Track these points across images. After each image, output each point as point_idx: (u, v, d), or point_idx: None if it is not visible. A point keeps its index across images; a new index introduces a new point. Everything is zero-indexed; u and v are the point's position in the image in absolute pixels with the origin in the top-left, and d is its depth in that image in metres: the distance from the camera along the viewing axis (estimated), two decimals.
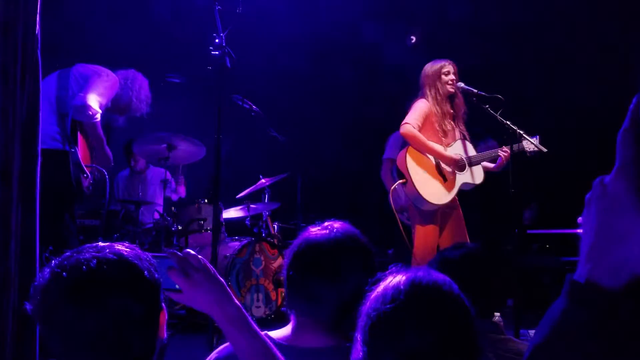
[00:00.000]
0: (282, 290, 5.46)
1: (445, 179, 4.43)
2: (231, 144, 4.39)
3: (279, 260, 5.53)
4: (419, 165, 4.41)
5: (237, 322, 1.34)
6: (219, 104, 3.65)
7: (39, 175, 2.30)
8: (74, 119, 3.97)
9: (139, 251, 1.27)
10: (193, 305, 1.37)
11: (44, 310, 1.18)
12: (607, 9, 6.04)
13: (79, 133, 4.01)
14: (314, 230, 1.68)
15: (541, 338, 0.76)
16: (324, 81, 7.07)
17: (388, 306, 1.08)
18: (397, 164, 4.56)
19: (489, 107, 4.36)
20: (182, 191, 6.20)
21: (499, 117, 4.31)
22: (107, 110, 4.16)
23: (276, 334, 1.62)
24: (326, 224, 1.70)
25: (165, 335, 1.31)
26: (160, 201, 5.52)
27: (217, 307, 1.33)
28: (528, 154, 4.44)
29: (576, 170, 5.20)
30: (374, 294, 1.13)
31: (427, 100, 4.49)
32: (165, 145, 5.36)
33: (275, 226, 5.95)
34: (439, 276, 1.14)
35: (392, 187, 4.59)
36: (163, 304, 1.29)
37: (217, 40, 3.70)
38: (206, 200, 5.60)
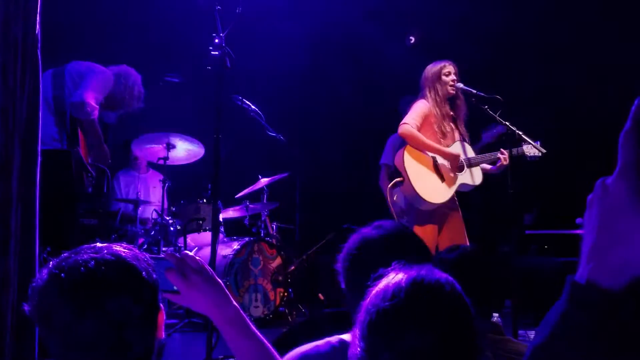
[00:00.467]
0: (280, 290, 5.46)
1: (443, 179, 4.43)
2: (230, 144, 4.39)
3: (278, 260, 5.53)
4: (417, 164, 4.41)
5: (235, 323, 1.34)
6: (218, 104, 3.65)
7: (39, 174, 2.30)
8: (72, 116, 3.96)
9: (137, 252, 1.28)
10: (191, 307, 1.37)
11: (42, 311, 1.18)
12: (607, 9, 6.05)
13: (79, 131, 4.00)
14: (366, 230, 1.70)
15: (542, 338, 0.76)
16: (324, 81, 7.07)
17: (388, 303, 1.08)
18: (395, 163, 4.55)
19: (488, 107, 4.36)
20: None
21: (498, 117, 4.31)
22: (100, 106, 4.15)
23: (348, 336, 1.60)
24: (376, 223, 1.72)
25: (164, 336, 1.31)
26: (159, 201, 5.52)
27: (215, 308, 1.34)
28: (528, 158, 4.44)
29: (576, 171, 5.21)
30: (374, 290, 1.13)
31: (427, 102, 4.49)
32: (164, 145, 5.37)
33: (274, 226, 5.95)
34: (442, 275, 1.13)
35: (389, 186, 4.59)
36: (161, 304, 1.29)
37: (216, 40, 3.70)
38: (205, 200, 5.60)
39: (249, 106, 4.98)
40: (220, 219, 5.62)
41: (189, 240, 5.54)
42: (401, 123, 4.42)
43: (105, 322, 1.16)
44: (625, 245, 0.71)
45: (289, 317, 5.45)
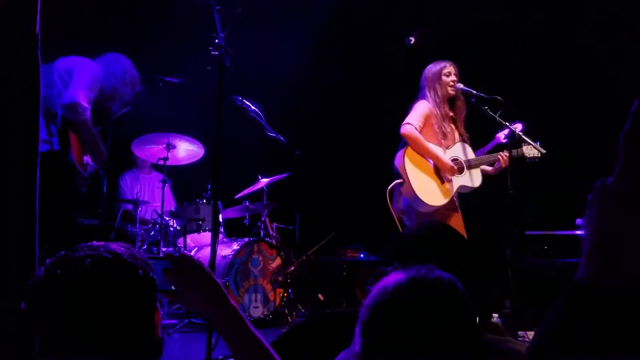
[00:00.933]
0: (280, 290, 5.46)
1: (443, 181, 4.43)
2: (230, 144, 4.38)
3: (277, 261, 5.53)
4: (417, 166, 4.41)
5: (234, 323, 1.34)
6: (218, 104, 3.65)
7: (38, 175, 2.30)
8: (63, 117, 3.88)
9: (134, 250, 1.28)
10: (189, 306, 1.37)
11: (38, 308, 1.18)
12: (607, 9, 6.05)
13: (70, 132, 3.93)
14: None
15: (542, 338, 0.76)
16: (324, 81, 7.07)
17: (388, 297, 1.09)
18: (395, 165, 4.55)
19: (488, 108, 4.36)
20: None
21: (498, 118, 4.31)
22: (95, 101, 4.08)
23: None
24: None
25: (161, 335, 1.31)
26: (159, 201, 5.53)
27: (213, 308, 1.34)
28: (527, 160, 4.44)
29: (576, 172, 5.22)
30: (375, 288, 1.14)
31: (428, 102, 4.48)
32: (164, 145, 5.37)
33: (274, 226, 5.95)
34: (443, 273, 1.14)
35: (389, 187, 4.58)
36: (157, 304, 1.29)
37: (216, 41, 3.70)
38: (205, 200, 5.60)
39: (249, 106, 4.98)
40: (220, 220, 5.63)
41: (188, 240, 5.54)
42: (403, 123, 4.41)
43: (101, 319, 1.17)
44: (624, 245, 0.71)
45: (289, 318, 5.45)
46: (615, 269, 0.72)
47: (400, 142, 4.48)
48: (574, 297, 0.75)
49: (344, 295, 6.22)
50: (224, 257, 5.22)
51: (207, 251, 5.01)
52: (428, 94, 4.50)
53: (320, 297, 6.10)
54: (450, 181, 4.41)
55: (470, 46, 6.34)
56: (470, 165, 4.52)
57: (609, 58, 6.01)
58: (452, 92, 4.50)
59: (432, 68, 4.56)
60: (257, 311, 5.29)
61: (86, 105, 3.87)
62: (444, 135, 4.48)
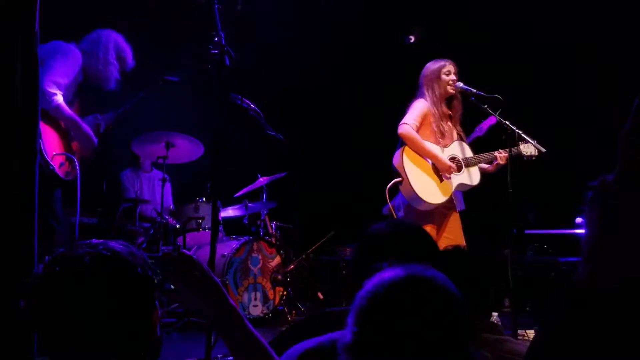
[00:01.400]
0: (279, 289, 5.46)
1: (442, 179, 4.43)
2: (229, 142, 4.38)
3: (277, 259, 5.53)
4: (416, 165, 4.41)
5: (232, 322, 1.34)
6: (217, 103, 3.65)
7: (37, 173, 2.30)
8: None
9: (133, 248, 1.28)
10: (187, 305, 1.37)
11: (37, 306, 1.18)
12: (607, 9, 6.05)
13: (40, 121, 3.85)
14: (375, 226, 1.72)
15: (540, 337, 0.76)
16: (323, 80, 7.07)
17: (384, 291, 1.11)
18: (393, 163, 4.54)
19: (487, 107, 4.35)
20: None
21: (497, 116, 4.31)
22: (84, 83, 4.01)
23: None
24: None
25: (159, 333, 1.31)
26: (159, 199, 5.52)
27: (212, 307, 1.34)
28: (525, 158, 4.44)
29: (576, 171, 5.21)
30: (370, 281, 1.15)
31: (426, 101, 4.48)
32: (163, 143, 5.37)
33: (273, 225, 5.95)
34: (437, 272, 1.16)
35: (389, 186, 4.58)
36: (156, 302, 1.29)
37: (216, 39, 3.69)
38: (204, 199, 5.60)
39: (249, 105, 4.97)
40: (220, 218, 5.62)
41: (188, 239, 5.54)
42: (401, 123, 4.41)
43: (98, 317, 1.17)
44: (624, 244, 0.71)
45: (288, 316, 5.45)
46: (614, 267, 0.72)
47: (399, 141, 4.48)
48: (573, 296, 0.75)
49: (343, 294, 6.23)
50: (224, 255, 5.22)
51: (206, 250, 5.00)
52: (426, 93, 4.49)
53: (320, 295, 6.11)
54: (448, 179, 4.42)
55: (470, 45, 6.33)
56: (468, 164, 4.52)
57: (609, 57, 6.01)
58: (451, 91, 4.49)
59: (431, 66, 4.55)
60: (257, 310, 5.29)
61: (53, 91, 3.77)
62: (442, 134, 4.48)
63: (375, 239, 1.69)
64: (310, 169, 6.43)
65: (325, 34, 6.79)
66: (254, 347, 1.35)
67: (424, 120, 4.44)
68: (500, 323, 3.90)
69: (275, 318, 5.38)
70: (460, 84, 4.48)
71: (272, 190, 5.97)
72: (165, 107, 5.73)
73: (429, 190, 4.36)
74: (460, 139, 4.60)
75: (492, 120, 4.53)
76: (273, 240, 5.72)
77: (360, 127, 7.24)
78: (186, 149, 5.53)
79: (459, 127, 4.61)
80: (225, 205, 5.79)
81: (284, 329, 3.59)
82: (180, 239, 5.50)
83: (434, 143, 4.44)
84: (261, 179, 5.78)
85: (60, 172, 3.85)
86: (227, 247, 5.35)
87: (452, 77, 4.49)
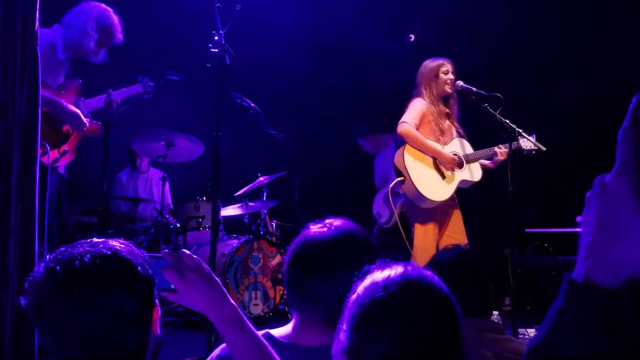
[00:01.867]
0: (280, 288, 5.46)
1: (444, 176, 4.43)
2: (230, 141, 4.38)
3: (277, 258, 5.52)
4: (417, 163, 4.41)
5: (233, 322, 1.34)
6: (217, 102, 3.65)
7: (38, 172, 2.30)
8: None
9: (133, 247, 1.28)
10: (188, 305, 1.37)
11: (37, 304, 1.19)
12: (607, 9, 6.04)
13: None
14: (313, 228, 1.67)
15: (540, 336, 0.76)
16: (323, 79, 7.07)
17: (382, 294, 1.10)
18: (395, 162, 4.55)
19: (488, 105, 4.36)
20: None
21: (497, 115, 4.31)
22: (57, 61, 3.95)
23: (277, 332, 1.62)
24: (326, 221, 1.69)
25: (159, 332, 1.31)
26: (159, 199, 5.52)
27: (213, 307, 1.33)
28: (525, 152, 4.45)
29: (576, 169, 5.21)
30: (362, 285, 1.15)
31: (424, 99, 4.48)
32: (163, 142, 5.37)
33: (274, 224, 5.95)
34: (428, 273, 1.16)
35: (391, 185, 4.59)
36: (156, 301, 1.29)
37: (216, 38, 3.69)
38: (204, 198, 5.60)
39: (249, 104, 4.97)
40: (220, 217, 5.62)
41: (188, 238, 5.54)
42: (400, 122, 4.42)
43: (99, 315, 1.17)
44: (623, 243, 0.71)
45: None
46: (612, 266, 0.72)
47: (398, 140, 4.49)
48: (571, 295, 0.75)
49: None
50: (224, 254, 5.22)
51: (207, 249, 5.01)
52: (424, 92, 4.50)
53: None
54: (453, 171, 4.42)
55: (470, 44, 6.33)
56: (469, 160, 4.52)
57: (609, 56, 6.01)
58: (448, 90, 4.50)
59: (428, 65, 4.55)
60: (257, 309, 5.29)
61: None
62: (442, 132, 4.49)
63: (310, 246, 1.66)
64: (310, 167, 6.43)
65: (326, 33, 6.79)
66: (255, 348, 1.35)
67: (422, 119, 4.44)
68: (500, 322, 3.91)
69: (276, 317, 5.38)
70: (461, 83, 4.49)
71: (273, 189, 5.97)
72: (165, 106, 5.73)
73: (431, 188, 4.37)
74: (460, 135, 4.61)
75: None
76: (273, 239, 5.72)
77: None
78: (186, 148, 5.53)
79: (457, 124, 4.62)
80: (226, 204, 5.78)
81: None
82: (180, 238, 5.50)
83: (434, 141, 4.44)
84: (261, 178, 5.77)
85: (61, 165, 3.86)
86: (227, 246, 5.35)
87: (450, 75, 4.50)
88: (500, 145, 4.50)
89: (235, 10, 3.71)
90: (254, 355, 1.33)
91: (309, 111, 7.13)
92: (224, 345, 1.53)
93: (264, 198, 5.87)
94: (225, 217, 5.90)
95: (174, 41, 6.15)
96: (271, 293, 5.42)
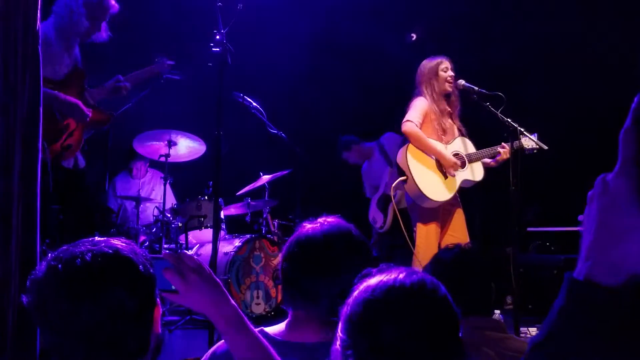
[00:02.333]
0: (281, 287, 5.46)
1: (446, 176, 4.43)
2: (231, 141, 4.38)
3: (279, 258, 5.52)
4: (420, 162, 4.41)
5: (233, 322, 1.34)
6: (219, 101, 3.65)
7: (39, 170, 2.30)
8: None
9: (135, 246, 1.28)
10: (189, 306, 1.37)
11: (39, 302, 1.19)
12: (607, 8, 6.03)
13: None
14: (308, 226, 1.68)
15: (541, 335, 0.76)
16: (325, 78, 7.07)
17: (376, 296, 1.11)
18: (397, 162, 4.55)
19: (489, 104, 4.35)
20: None
21: (499, 114, 4.31)
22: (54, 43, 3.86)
23: (271, 329, 1.63)
24: (320, 219, 1.70)
25: (160, 331, 1.31)
26: (160, 198, 5.52)
27: (213, 307, 1.34)
28: (526, 151, 4.44)
29: (577, 168, 5.21)
30: (361, 287, 1.15)
31: (425, 98, 4.47)
32: (165, 141, 5.37)
33: (276, 223, 5.94)
34: (426, 276, 1.17)
35: (393, 185, 4.58)
36: (157, 299, 1.29)
37: (217, 37, 3.69)
38: (206, 197, 5.60)
39: (250, 103, 4.97)
40: (222, 216, 5.62)
41: (190, 237, 5.54)
42: (404, 121, 4.41)
43: (100, 314, 1.17)
44: (624, 242, 0.71)
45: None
46: (613, 266, 0.72)
47: (400, 139, 4.48)
48: (572, 294, 0.75)
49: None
50: (226, 254, 5.22)
51: (208, 248, 5.01)
52: (425, 91, 4.49)
53: None
54: (453, 176, 4.41)
55: (471, 43, 6.32)
56: (471, 159, 4.52)
57: (610, 56, 6.00)
58: (449, 88, 4.49)
59: (427, 64, 4.54)
60: (259, 308, 5.29)
61: None
62: (444, 131, 4.48)
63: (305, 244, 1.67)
64: (312, 166, 6.43)
65: (328, 32, 6.78)
66: (256, 348, 1.35)
67: (425, 118, 4.44)
68: (502, 321, 3.90)
69: (278, 316, 5.37)
70: (462, 82, 4.48)
71: (274, 188, 5.97)
72: (167, 106, 5.73)
73: (433, 187, 4.36)
74: (462, 134, 4.60)
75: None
76: (275, 238, 5.71)
77: (363, 125, 7.23)
78: (188, 147, 5.54)
79: (458, 123, 4.61)
80: (228, 203, 5.78)
81: None
82: (182, 237, 5.50)
83: (437, 140, 4.44)
84: (263, 177, 5.77)
85: (66, 161, 3.84)
86: (229, 245, 5.35)
87: (450, 72, 4.49)
88: (503, 144, 4.48)
89: (236, 9, 3.71)
90: (254, 356, 1.33)
91: (311, 110, 7.13)
92: (221, 342, 1.54)
93: (266, 197, 5.87)
94: (227, 217, 5.90)
95: (175, 40, 6.15)
96: (273, 292, 5.42)
